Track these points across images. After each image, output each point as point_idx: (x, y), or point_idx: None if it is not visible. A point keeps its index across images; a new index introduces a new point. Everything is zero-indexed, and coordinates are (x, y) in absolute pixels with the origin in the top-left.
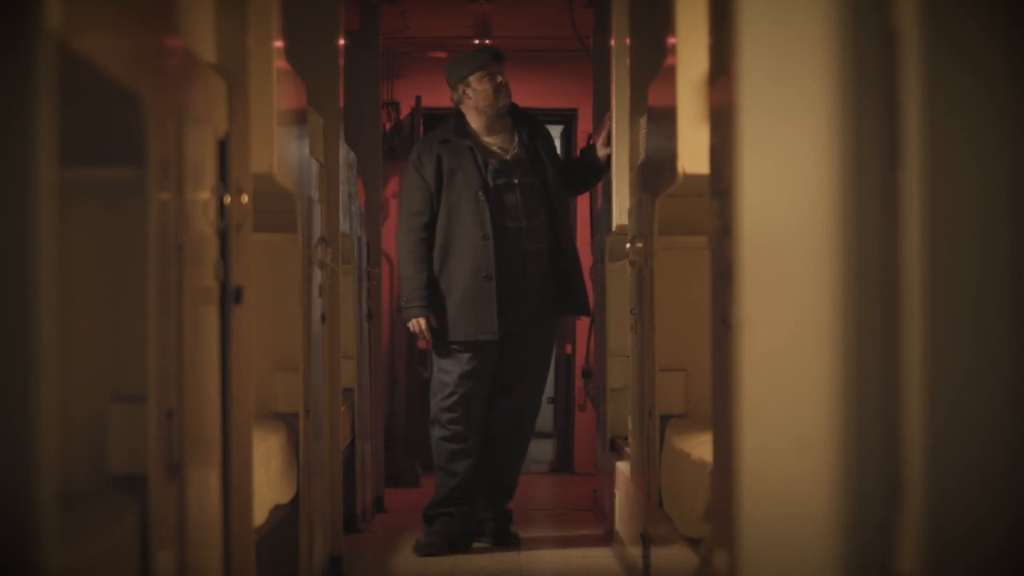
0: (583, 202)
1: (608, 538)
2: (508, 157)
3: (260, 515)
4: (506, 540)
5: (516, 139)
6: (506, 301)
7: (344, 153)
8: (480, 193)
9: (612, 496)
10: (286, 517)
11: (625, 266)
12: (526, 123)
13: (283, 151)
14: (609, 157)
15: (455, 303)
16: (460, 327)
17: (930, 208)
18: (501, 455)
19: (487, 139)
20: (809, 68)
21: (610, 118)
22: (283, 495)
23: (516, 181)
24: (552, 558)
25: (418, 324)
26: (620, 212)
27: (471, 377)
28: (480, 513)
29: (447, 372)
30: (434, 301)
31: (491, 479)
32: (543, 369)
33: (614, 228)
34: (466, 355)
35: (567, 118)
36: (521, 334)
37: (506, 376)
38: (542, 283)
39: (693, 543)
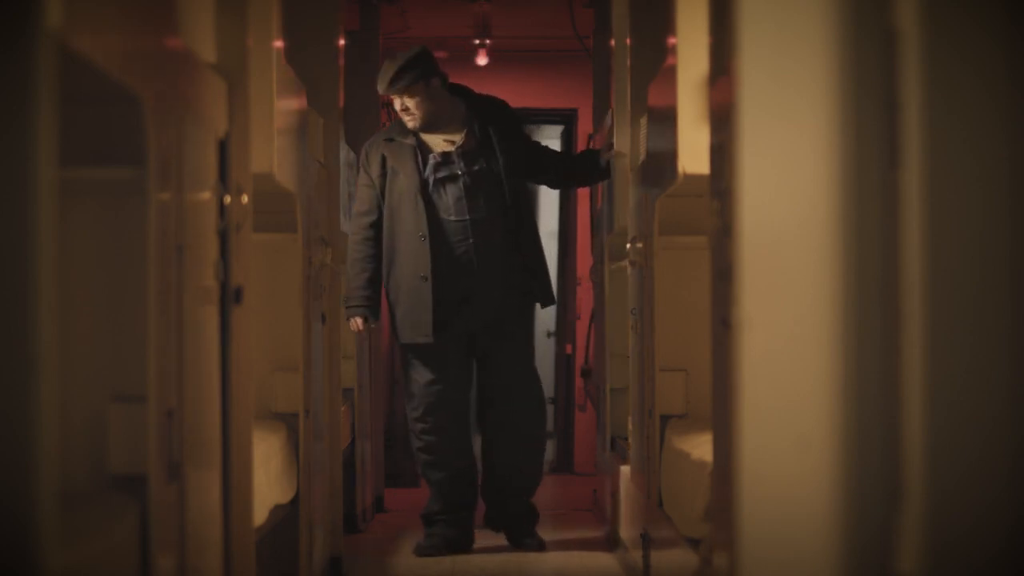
0: (583, 202)
1: (608, 538)
2: (453, 149)
3: (260, 515)
4: (521, 543)
5: (466, 130)
6: (458, 300)
7: (344, 153)
8: (418, 194)
9: (612, 497)
10: (286, 517)
11: (625, 266)
12: (481, 110)
13: (283, 151)
14: (610, 163)
15: (402, 307)
16: (404, 330)
17: (930, 208)
18: (498, 456)
19: (432, 135)
20: (809, 68)
21: (611, 119)
22: (283, 495)
23: (459, 172)
24: (552, 558)
25: (355, 323)
26: (620, 212)
27: (437, 384)
28: (492, 512)
29: (412, 381)
30: (374, 301)
31: (492, 483)
32: (524, 363)
33: (614, 228)
34: (429, 363)
35: (567, 118)
36: (490, 332)
37: (486, 378)
38: (503, 275)
39: (693, 543)
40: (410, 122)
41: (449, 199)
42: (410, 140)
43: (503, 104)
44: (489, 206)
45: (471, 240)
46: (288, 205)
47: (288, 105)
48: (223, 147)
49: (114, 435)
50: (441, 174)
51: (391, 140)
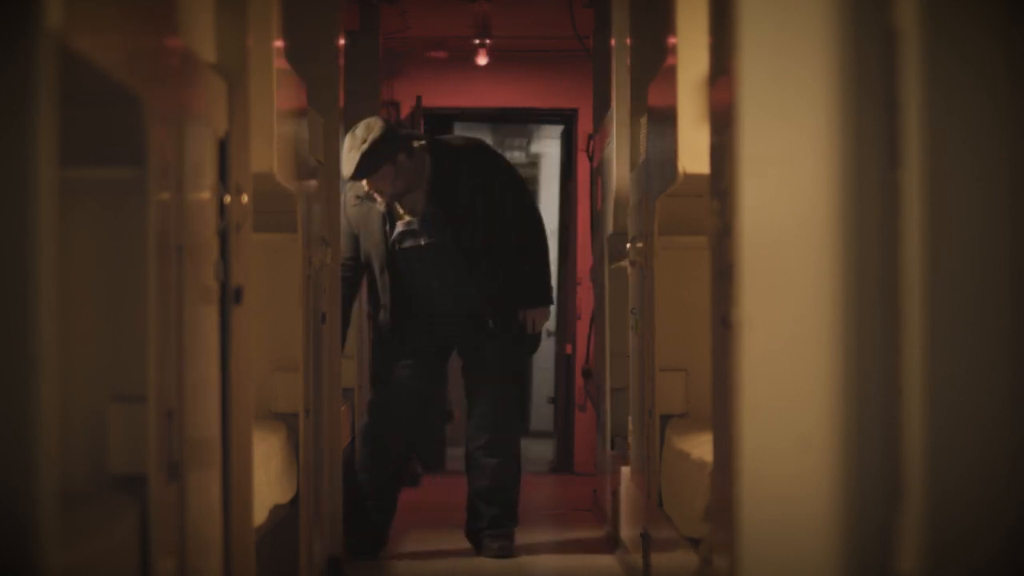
0: (583, 202)
1: (608, 538)
2: (415, 217)
3: (260, 515)
4: (485, 548)
5: (426, 198)
6: (427, 323)
7: None
8: (384, 265)
9: (612, 497)
10: (286, 517)
11: (625, 266)
12: (444, 170)
13: (283, 151)
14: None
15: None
16: None
17: (930, 208)
18: (469, 465)
19: (400, 203)
20: (809, 68)
21: (611, 119)
22: (283, 495)
23: (422, 243)
24: (552, 559)
25: None
26: (620, 212)
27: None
28: (469, 523)
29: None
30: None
31: (470, 493)
32: (497, 375)
33: (614, 228)
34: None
35: (567, 118)
36: (466, 354)
37: (466, 394)
38: (470, 347)
39: (693, 543)
40: (388, 197)
41: (414, 267)
42: (379, 205)
43: (466, 156)
44: (455, 273)
45: (437, 308)
46: (288, 205)
47: (288, 105)
48: (223, 147)
49: (114, 435)
50: (406, 244)
51: (359, 200)
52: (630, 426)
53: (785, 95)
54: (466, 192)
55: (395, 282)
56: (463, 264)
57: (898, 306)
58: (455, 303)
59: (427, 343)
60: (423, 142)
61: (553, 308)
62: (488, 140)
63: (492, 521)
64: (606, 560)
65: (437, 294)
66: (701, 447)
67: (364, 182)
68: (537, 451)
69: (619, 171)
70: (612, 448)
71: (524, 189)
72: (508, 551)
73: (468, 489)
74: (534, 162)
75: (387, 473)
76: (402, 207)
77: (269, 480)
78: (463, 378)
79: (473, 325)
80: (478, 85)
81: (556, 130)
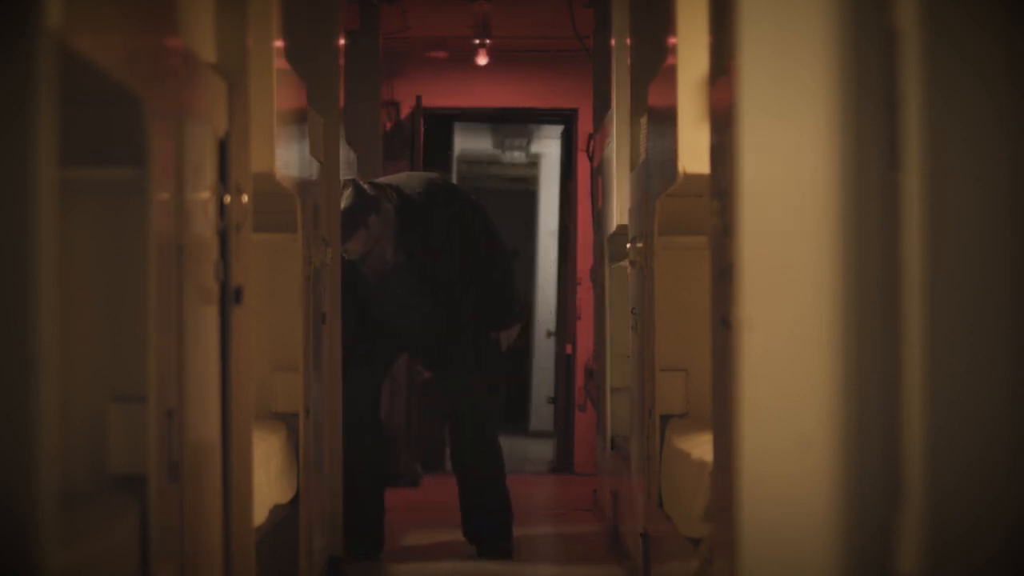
0: (583, 202)
1: (608, 538)
2: (386, 266)
3: (260, 515)
4: (485, 550)
5: (394, 246)
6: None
7: (344, 153)
8: (352, 305)
9: (613, 497)
10: (286, 517)
11: (625, 266)
12: (415, 217)
13: (283, 151)
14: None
15: None
16: None
17: (930, 208)
18: (454, 467)
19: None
20: (809, 68)
21: (611, 119)
22: (283, 495)
23: (399, 291)
24: (552, 560)
25: None
26: (620, 212)
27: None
28: (464, 525)
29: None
30: None
31: (460, 494)
32: (470, 377)
33: (614, 228)
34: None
35: (567, 118)
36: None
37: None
38: (445, 359)
39: (693, 543)
40: (348, 257)
41: (388, 304)
42: (349, 260)
43: (435, 191)
44: (426, 309)
45: (407, 327)
46: (288, 205)
47: (288, 105)
48: (223, 147)
49: (114, 435)
50: (376, 294)
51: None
52: (630, 426)
53: (785, 95)
54: (442, 225)
55: (364, 317)
56: (437, 298)
57: (898, 306)
58: (425, 328)
59: (382, 361)
60: (389, 196)
61: (553, 308)
62: (488, 140)
63: (490, 521)
64: (606, 561)
65: (408, 323)
66: (701, 447)
67: None
68: (537, 451)
69: (619, 171)
70: (612, 448)
71: (486, 213)
72: (508, 552)
73: (459, 490)
74: (534, 162)
75: (367, 476)
76: (371, 258)
77: (269, 480)
78: (440, 384)
79: (445, 342)
80: (478, 85)
81: (556, 130)
